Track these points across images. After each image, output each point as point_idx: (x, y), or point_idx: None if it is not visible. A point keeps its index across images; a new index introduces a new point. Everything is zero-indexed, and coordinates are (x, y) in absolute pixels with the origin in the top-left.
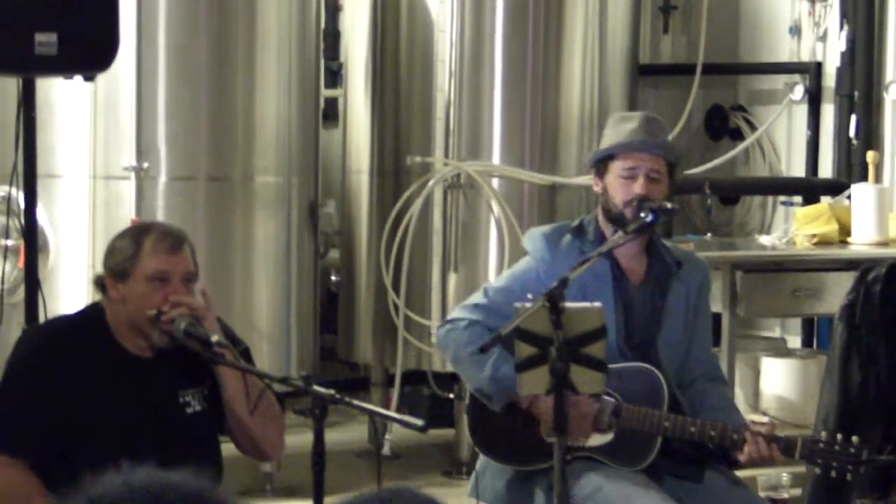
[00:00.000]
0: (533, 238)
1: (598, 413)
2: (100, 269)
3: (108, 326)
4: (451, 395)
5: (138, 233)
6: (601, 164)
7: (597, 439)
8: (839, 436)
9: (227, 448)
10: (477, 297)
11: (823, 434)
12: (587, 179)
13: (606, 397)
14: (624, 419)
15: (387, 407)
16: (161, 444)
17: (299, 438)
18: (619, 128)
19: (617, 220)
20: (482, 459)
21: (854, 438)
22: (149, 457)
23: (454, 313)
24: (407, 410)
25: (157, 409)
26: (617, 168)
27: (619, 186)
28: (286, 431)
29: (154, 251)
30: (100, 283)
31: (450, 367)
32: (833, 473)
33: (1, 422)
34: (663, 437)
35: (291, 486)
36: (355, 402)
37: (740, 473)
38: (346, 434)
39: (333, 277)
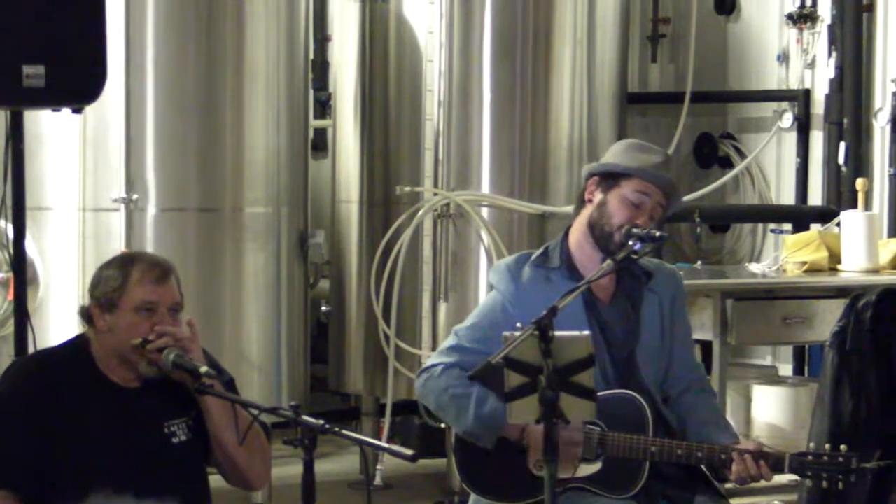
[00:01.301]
0: (497, 271)
1: (584, 443)
2: (86, 299)
3: (93, 357)
4: (442, 425)
5: (125, 263)
6: (611, 178)
7: (586, 469)
8: (827, 446)
9: (218, 479)
10: (448, 341)
11: (811, 446)
12: None
13: (591, 426)
14: (610, 448)
15: (378, 437)
16: (147, 475)
17: (290, 469)
18: (645, 155)
19: (604, 238)
20: (475, 496)
21: (842, 447)
22: (135, 487)
23: (428, 361)
24: (398, 440)
25: (142, 440)
26: (628, 189)
27: (624, 208)
28: (276, 462)
29: (141, 282)
30: (85, 314)
31: None
32: (825, 484)
33: None
34: (651, 461)
35: None
36: (345, 431)
37: (734, 503)
38: (337, 465)
39: (323, 308)
